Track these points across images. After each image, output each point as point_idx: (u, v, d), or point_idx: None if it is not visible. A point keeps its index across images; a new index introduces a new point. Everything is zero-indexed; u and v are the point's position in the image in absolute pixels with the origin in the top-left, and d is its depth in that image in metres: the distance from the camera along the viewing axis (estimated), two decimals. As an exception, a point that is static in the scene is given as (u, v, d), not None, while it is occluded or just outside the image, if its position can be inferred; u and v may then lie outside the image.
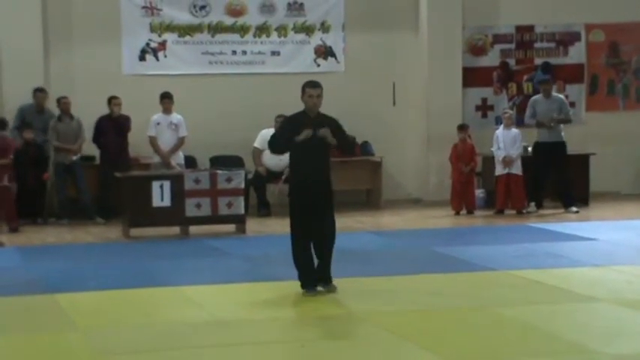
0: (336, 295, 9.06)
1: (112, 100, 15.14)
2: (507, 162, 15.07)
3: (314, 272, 9.18)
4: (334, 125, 9.29)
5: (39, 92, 15.09)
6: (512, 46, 17.44)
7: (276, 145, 9.41)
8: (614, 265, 10.41)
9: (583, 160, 16.31)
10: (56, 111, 15.05)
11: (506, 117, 15.41)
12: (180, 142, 15.07)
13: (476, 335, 7.56)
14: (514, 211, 15.16)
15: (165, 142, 15.00)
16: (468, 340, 7.40)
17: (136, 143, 15.26)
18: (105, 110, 15.16)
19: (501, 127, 15.42)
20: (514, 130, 15.26)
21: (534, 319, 7.96)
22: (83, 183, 14.90)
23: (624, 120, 17.61)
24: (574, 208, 15.23)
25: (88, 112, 15.11)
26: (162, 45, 16.31)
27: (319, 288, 9.15)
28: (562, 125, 15.38)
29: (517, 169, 15.15)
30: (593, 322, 7.96)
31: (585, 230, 13.08)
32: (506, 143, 15.16)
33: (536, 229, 13.45)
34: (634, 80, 17.80)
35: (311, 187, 9.05)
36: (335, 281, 9.30)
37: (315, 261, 9.20)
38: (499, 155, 15.15)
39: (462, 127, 15.54)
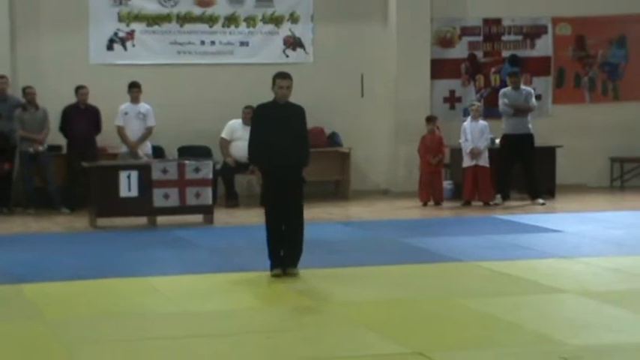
0: (304, 285, 9.06)
1: (79, 90, 15.03)
2: (475, 154, 15.11)
3: (278, 251, 9.46)
4: (301, 115, 9.56)
5: None
6: (480, 38, 17.49)
7: (251, 152, 9.65)
8: (580, 256, 10.46)
9: (550, 153, 16.38)
10: (21, 98, 14.92)
11: (473, 109, 15.45)
12: (148, 132, 15.01)
13: (441, 326, 7.58)
14: (481, 203, 15.21)
15: (133, 131, 14.93)
16: (433, 331, 7.41)
17: (104, 133, 15.17)
18: (72, 99, 15.05)
19: (469, 119, 15.45)
20: (482, 122, 15.30)
21: (500, 311, 7.98)
22: (50, 172, 14.80)
23: (591, 113, 17.72)
24: (540, 200, 15.30)
25: (56, 100, 15.01)
26: (131, 34, 16.22)
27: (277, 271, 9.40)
28: (529, 117, 15.42)
29: (484, 161, 15.20)
30: (559, 313, 8.00)
31: (551, 222, 13.15)
32: (474, 135, 15.20)
33: (503, 221, 13.51)
34: (600, 73, 17.92)
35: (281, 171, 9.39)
36: (303, 271, 9.32)
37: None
38: (467, 147, 15.19)
39: (430, 119, 15.56)
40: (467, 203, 15.21)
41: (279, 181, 9.35)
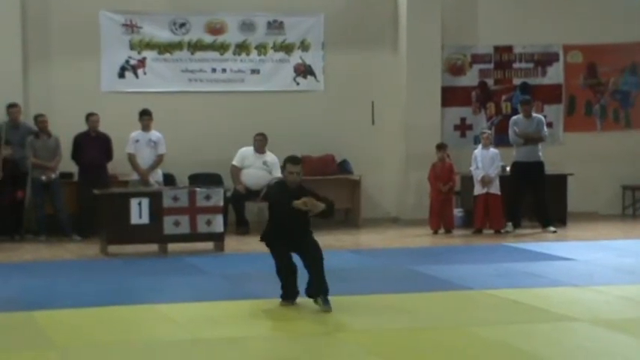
0: (314, 313, 9.05)
1: (89, 117, 15.10)
2: (486, 181, 15.12)
3: (293, 285, 9.42)
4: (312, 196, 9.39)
5: (11, 108, 15.03)
6: (491, 66, 17.52)
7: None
8: (592, 285, 10.44)
9: (561, 180, 16.38)
10: (33, 126, 15.00)
11: (484, 137, 15.47)
12: (159, 160, 15.05)
13: (452, 355, 7.56)
14: (492, 231, 15.19)
15: (144, 159, 14.98)
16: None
17: (115, 160, 15.22)
18: (84, 127, 15.12)
19: (480, 146, 15.47)
20: (492, 150, 15.32)
21: (512, 339, 7.96)
22: (60, 200, 14.85)
23: (602, 140, 17.72)
24: (552, 228, 15.28)
25: (68, 128, 15.07)
26: (142, 62, 16.30)
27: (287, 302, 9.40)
28: (540, 145, 15.43)
29: (495, 188, 15.20)
30: (571, 341, 7.98)
31: (563, 250, 13.13)
32: (485, 163, 15.21)
33: (514, 249, 13.49)
34: (611, 101, 17.92)
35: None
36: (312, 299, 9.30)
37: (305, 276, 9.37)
38: (477, 175, 15.20)
39: (441, 147, 15.57)
40: (478, 231, 15.20)
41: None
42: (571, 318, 8.77)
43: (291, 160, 9.44)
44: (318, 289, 9.17)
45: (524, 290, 10.14)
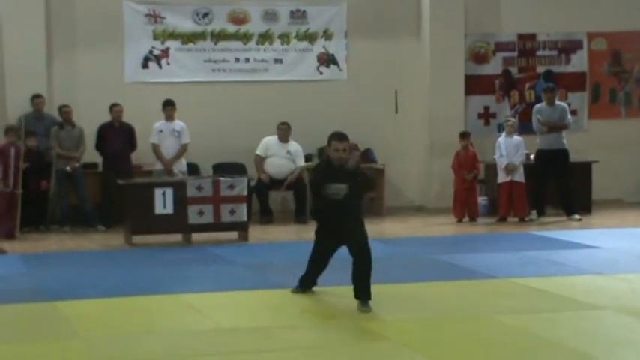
0: (338, 302, 9.00)
1: (113, 108, 15.11)
2: (510, 169, 15.03)
3: (313, 278, 9.33)
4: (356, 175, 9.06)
5: (36, 98, 15.06)
6: (515, 54, 17.43)
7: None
8: (617, 273, 10.37)
9: (585, 168, 16.28)
10: (57, 116, 15.03)
11: (509, 125, 15.37)
12: (182, 150, 15.06)
13: (477, 344, 7.52)
14: (516, 219, 15.12)
15: (168, 149, 14.99)
16: (470, 349, 7.35)
17: (139, 150, 15.24)
18: (107, 118, 15.13)
19: (503, 134, 15.38)
20: (516, 138, 15.23)
21: (537, 328, 7.91)
22: (85, 190, 14.88)
23: (626, 128, 17.63)
24: (576, 216, 15.19)
25: (92, 119, 15.10)
26: (165, 52, 16.30)
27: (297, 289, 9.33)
28: (564, 133, 15.34)
29: (520, 176, 15.12)
30: (597, 330, 7.92)
31: (588, 238, 13.04)
32: (509, 151, 15.12)
33: (539, 237, 13.42)
34: (636, 88, 17.81)
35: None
36: (338, 288, 9.24)
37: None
38: (502, 163, 15.12)
39: (464, 135, 15.51)
40: (502, 219, 15.12)
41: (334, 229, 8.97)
42: (596, 306, 8.70)
43: (336, 137, 8.86)
44: (360, 294, 8.73)
45: (548, 278, 10.08)
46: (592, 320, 8.27)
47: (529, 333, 7.77)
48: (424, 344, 7.46)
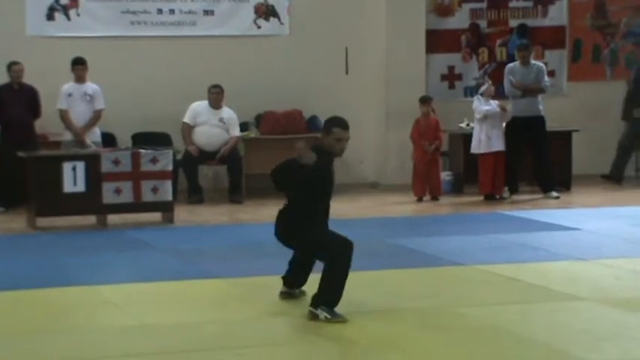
0: (274, 293, 9.03)
1: (11, 67, 14.99)
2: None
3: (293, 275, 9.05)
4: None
5: None
6: (484, 5, 17.56)
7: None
8: (599, 258, 10.57)
9: (565, 138, 16.47)
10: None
11: (485, 90, 15.24)
12: (96, 117, 15.01)
13: (439, 339, 7.63)
14: (482, 197, 15.26)
15: (79, 116, 14.93)
16: (430, 345, 7.47)
17: (44, 117, 15.17)
18: (5, 78, 15.05)
19: (476, 99, 15.29)
20: (493, 103, 15.22)
21: (507, 321, 8.06)
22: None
23: (612, 91, 17.76)
24: (554, 194, 15.39)
25: (-13, 80, 15.03)
26: (75, 2, 16.23)
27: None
28: (540, 97, 15.51)
29: (499, 144, 15.13)
30: (575, 324, 8.06)
31: (567, 219, 13.25)
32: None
33: (511, 218, 13.60)
34: (623, 45, 18.00)
35: None
36: (273, 277, 9.21)
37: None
38: (482, 110, 14.98)
39: (425, 100, 15.59)
40: (490, 197, 15.17)
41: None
42: (575, 297, 8.87)
43: (339, 124, 8.82)
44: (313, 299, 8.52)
45: (521, 265, 10.26)
46: (570, 313, 8.42)
47: (498, 328, 7.90)
48: (378, 340, 7.57)
